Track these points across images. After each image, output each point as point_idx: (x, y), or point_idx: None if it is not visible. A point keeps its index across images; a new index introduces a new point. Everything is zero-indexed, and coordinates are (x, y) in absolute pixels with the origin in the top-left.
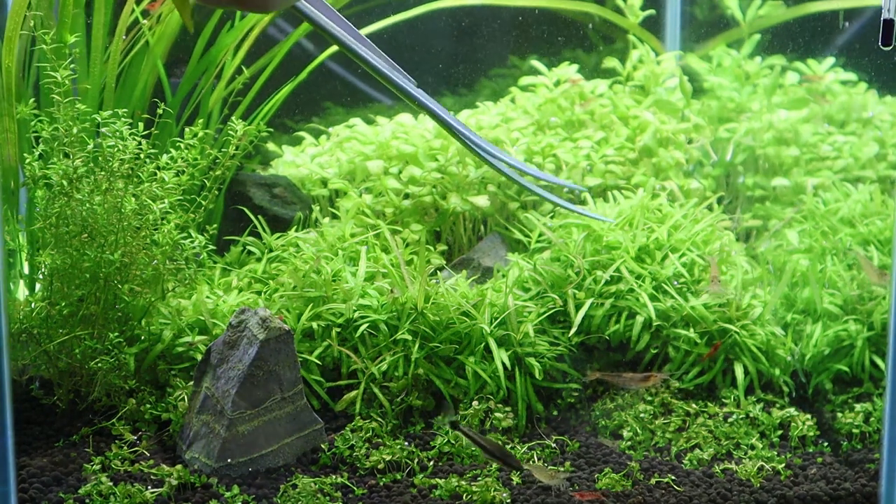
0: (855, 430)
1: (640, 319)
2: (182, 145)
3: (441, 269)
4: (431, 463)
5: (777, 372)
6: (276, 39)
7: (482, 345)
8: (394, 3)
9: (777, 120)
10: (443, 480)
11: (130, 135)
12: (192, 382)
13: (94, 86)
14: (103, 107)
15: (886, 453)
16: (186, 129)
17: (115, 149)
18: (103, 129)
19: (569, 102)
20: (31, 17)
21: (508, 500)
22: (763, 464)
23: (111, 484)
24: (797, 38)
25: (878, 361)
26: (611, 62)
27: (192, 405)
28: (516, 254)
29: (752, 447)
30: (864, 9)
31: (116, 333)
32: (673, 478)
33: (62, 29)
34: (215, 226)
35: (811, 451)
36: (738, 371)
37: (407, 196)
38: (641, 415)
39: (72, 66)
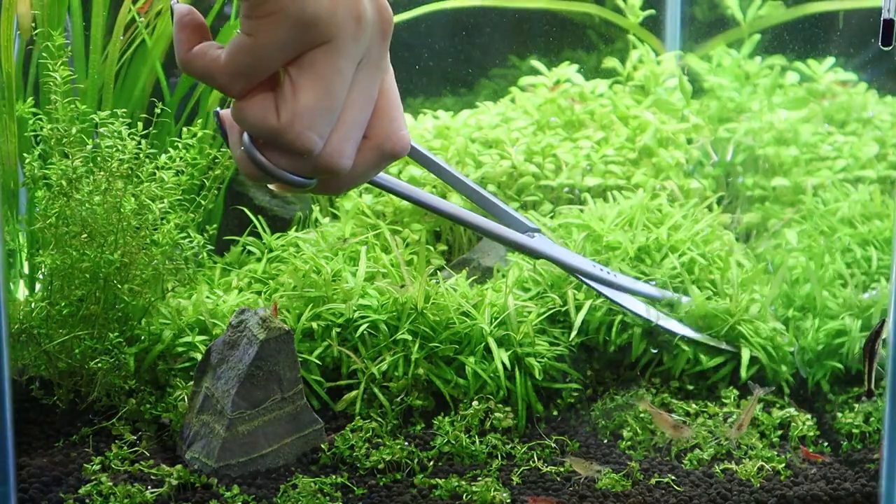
0: (855, 430)
1: (637, 332)
2: (181, 145)
3: (441, 269)
4: (431, 463)
5: (782, 368)
6: None
7: (482, 345)
8: (394, 3)
9: (777, 120)
10: (443, 480)
11: (129, 135)
12: (192, 382)
13: (92, 85)
14: (102, 106)
15: (886, 453)
16: (185, 129)
17: (114, 149)
18: (101, 130)
19: (569, 102)
20: (24, 17)
21: (508, 500)
22: (763, 464)
23: (111, 484)
24: (797, 38)
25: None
26: (611, 62)
27: (192, 405)
28: (516, 254)
29: (752, 447)
30: (864, 9)
31: (116, 333)
32: (673, 478)
33: (50, 27)
34: (215, 226)
35: (812, 451)
36: (745, 355)
37: None
38: (641, 415)
39: (67, 64)
